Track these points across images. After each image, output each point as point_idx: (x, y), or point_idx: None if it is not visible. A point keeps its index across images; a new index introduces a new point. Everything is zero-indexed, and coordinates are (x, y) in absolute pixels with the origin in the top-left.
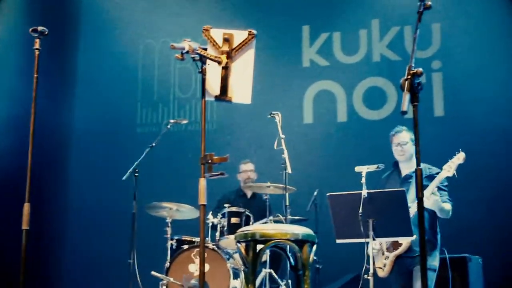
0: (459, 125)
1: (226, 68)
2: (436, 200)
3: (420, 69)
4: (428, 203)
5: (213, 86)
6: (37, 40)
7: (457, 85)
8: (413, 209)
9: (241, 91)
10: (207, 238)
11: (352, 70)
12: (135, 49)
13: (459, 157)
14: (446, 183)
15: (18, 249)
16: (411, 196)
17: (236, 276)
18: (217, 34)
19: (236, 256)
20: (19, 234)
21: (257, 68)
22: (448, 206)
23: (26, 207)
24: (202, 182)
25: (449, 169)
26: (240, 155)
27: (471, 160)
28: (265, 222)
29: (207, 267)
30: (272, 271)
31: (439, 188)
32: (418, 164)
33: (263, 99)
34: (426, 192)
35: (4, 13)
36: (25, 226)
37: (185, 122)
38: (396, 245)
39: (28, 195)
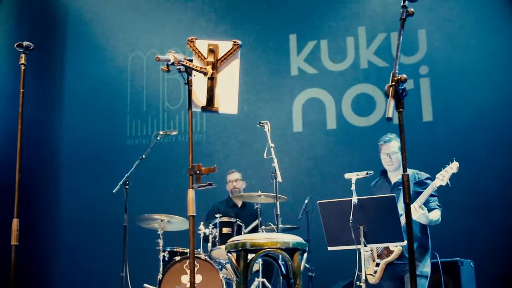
0: (448, 130)
1: (212, 79)
2: (423, 214)
3: (404, 76)
4: (415, 215)
5: (200, 97)
6: (23, 55)
7: (445, 90)
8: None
9: (228, 101)
10: (199, 249)
11: (340, 78)
12: (123, 61)
13: (453, 167)
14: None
15: (8, 265)
16: (402, 203)
17: (229, 286)
18: (202, 45)
19: (229, 266)
20: (9, 250)
21: (245, 77)
22: (437, 214)
23: (15, 222)
24: (191, 193)
25: (443, 178)
26: (231, 165)
27: (460, 165)
28: (255, 226)
29: (200, 278)
30: (265, 280)
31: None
32: (404, 170)
33: (253, 108)
34: (416, 203)
35: None
36: (14, 242)
37: (174, 133)
38: (388, 251)
39: (17, 211)
